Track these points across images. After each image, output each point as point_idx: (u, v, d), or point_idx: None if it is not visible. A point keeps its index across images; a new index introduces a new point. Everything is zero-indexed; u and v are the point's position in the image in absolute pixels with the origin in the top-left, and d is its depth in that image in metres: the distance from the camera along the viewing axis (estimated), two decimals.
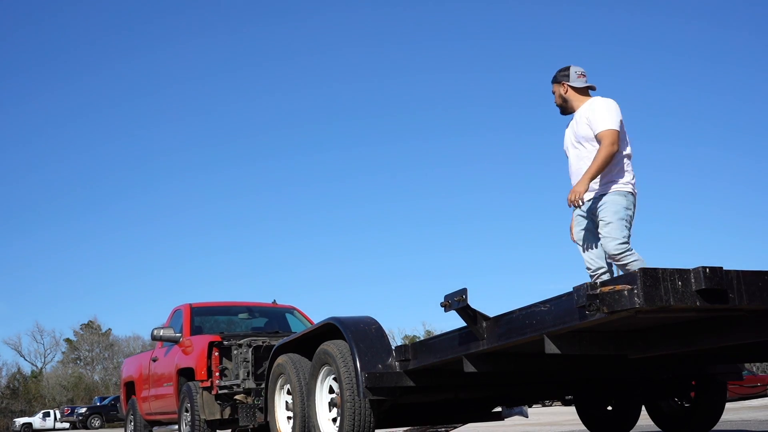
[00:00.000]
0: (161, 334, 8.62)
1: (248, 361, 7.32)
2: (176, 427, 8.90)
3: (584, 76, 5.00)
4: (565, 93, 5.01)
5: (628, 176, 4.79)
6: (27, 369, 63.66)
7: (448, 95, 72.08)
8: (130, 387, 10.51)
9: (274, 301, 10.12)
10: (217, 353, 7.62)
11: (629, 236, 4.69)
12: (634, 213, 4.76)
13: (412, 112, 73.21)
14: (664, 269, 2.99)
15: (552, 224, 70.44)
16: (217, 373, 7.56)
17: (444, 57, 70.79)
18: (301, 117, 74.61)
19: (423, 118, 72.85)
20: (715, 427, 5.69)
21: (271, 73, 73.18)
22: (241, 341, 7.50)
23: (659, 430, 5.91)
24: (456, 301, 3.90)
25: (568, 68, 5.01)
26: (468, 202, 72.97)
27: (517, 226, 72.02)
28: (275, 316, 9.72)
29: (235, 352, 7.47)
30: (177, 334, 8.62)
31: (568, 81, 4.98)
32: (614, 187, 4.74)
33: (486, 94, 71.52)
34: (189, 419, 7.90)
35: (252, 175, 75.40)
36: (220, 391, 7.51)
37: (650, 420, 5.97)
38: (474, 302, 3.88)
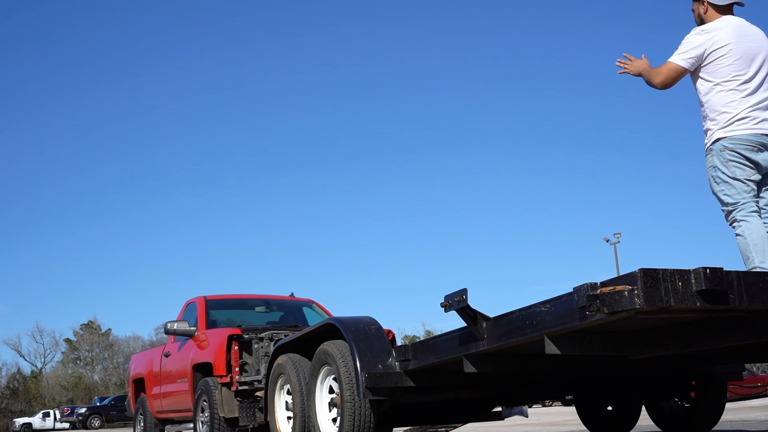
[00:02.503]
0: (175, 327, 8.17)
1: (269, 356, 6.82)
2: (190, 425, 8.51)
3: None
4: (705, 13, 4.23)
5: (718, 121, 4.06)
6: (27, 369, 63.71)
7: (446, 101, 72.19)
8: (139, 384, 10.06)
9: (292, 293, 9.68)
10: (236, 347, 7.22)
11: (736, 196, 3.98)
12: (741, 160, 3.99)
13: (415, 119, 73.36)
14: (665, 270, 2.98)
15: (552, 225, 70.48)
16: (237, 368, 7.13)
17: (448, 72, 70.90)
18: (307, 129, 74.68)
19: (425, 124, 72.98)
20: (716, 427, 5.69)
21: (280, 84, 73.23)
22: (262, 334, 7.18)
23: (659, 430, 5.91)
24: (456, 302, 3.89)
25: None
26: (469, 203, 73.04)
27: (518, 226, 72.05)
28: (292, 310, 9.26)
29: (256, 346, 7.14)
30: (192, 328, 8.20)
31: None
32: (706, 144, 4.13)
33: (484, 99, 71.61)
34: (206, 417, 7.49)
35: (254, 179, 75.48)
36: (240, 387, 7.09)
37: (650, 420, 5.96)
38: (474, 303, 3.88)
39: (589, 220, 67.22)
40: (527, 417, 7.93)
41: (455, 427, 7.58)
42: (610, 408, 6.29)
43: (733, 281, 3.08)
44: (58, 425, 43.43)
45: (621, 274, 3.10)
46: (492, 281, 68.88)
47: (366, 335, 5.00)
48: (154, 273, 76.37)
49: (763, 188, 4.10)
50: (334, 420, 5.33)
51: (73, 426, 41.07)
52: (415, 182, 73.97)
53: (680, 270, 3.01)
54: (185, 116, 75.28)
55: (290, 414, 5.97)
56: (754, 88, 4.07)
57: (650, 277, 2.94)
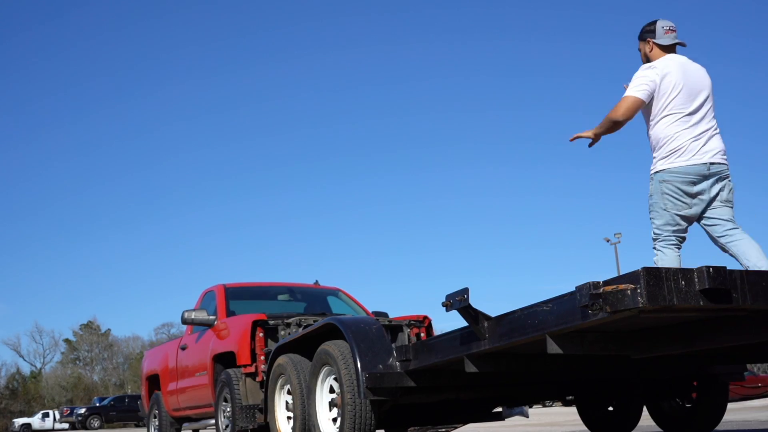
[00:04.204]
0: (193, 316, 7.57)
1: (270, 355, 6.36)
2: (209, 422, 8.06)
3: (673, 31, 4.48)
4: (650, 51, 4.50)
5: (661, 152, 4.35)
6: (26, 369, 63.71)
7: (448, 99, 72.31)
8: (153, 381, 9.48)
9: (317, 281, 9.04)
10: (261, 334, 6.65)
11: (662, 227, 4.32)
12: (677, 195, 4.27)
13: (420, 118, 73.62)
14: (668, 269, 2.97)
15: (553, 225, 70.50)
16: (263, 357, 6.54)
17: (457, 90, 71.01)
18: (321, 144, 74.80)
19: (429, 124, 73.17)
20: (717, 428, 5.67)
21: (296, 98, 73.30)
22: (290, 320, 6.66)
23: (660, 430, 5.89)
24: (458, 301, 3.87)
25: (654, 23, 4.50)
26: (470, 203, 73.11)
27: (519, 226, 72.13)
28: (317, 299, 8.61)
29: (283, 332, 6.60)
30: (211, 317, 7.63)
31: (654, 37, 4.47)
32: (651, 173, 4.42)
33: (488, 96, 71.74)
34: (228, 411, 6.88)
35: (254, 178, 75.54)
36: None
37: (651, 420, 5.94)
38: (476, 302, 3.86)
39: (589, 220, 67.29)
40: (528, 417, 7.93)
41: (456, 428, 7.57)
42: (611, 408, 6.27)
43: (737, 280, 3.07)
44: (58, 425, 43.38)
45: (622, 274, 3.08)
46: (492, 281, 68.95)
47: (366, 335, 4.97)
48: (154, 273, 76.46)
49: (718, 213, 4.31)
50: (335, 420, 5.31)
51: (73, 426, 41.03)
52: (415, 182, 74.16)
53: (683, 269, 3.00)
54: (193, 127, 75.51)
55: (290, 414, 5.95)
56: (697, 121, 4.35)
57: (653, 275, 2.93)
